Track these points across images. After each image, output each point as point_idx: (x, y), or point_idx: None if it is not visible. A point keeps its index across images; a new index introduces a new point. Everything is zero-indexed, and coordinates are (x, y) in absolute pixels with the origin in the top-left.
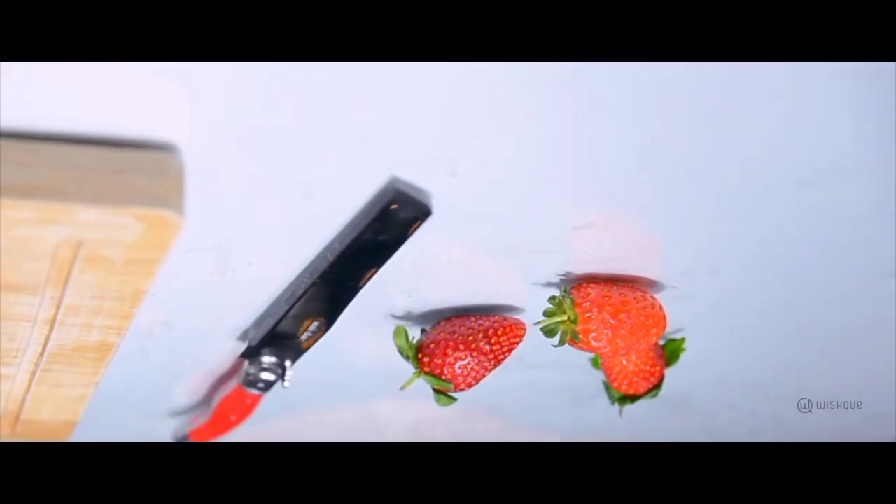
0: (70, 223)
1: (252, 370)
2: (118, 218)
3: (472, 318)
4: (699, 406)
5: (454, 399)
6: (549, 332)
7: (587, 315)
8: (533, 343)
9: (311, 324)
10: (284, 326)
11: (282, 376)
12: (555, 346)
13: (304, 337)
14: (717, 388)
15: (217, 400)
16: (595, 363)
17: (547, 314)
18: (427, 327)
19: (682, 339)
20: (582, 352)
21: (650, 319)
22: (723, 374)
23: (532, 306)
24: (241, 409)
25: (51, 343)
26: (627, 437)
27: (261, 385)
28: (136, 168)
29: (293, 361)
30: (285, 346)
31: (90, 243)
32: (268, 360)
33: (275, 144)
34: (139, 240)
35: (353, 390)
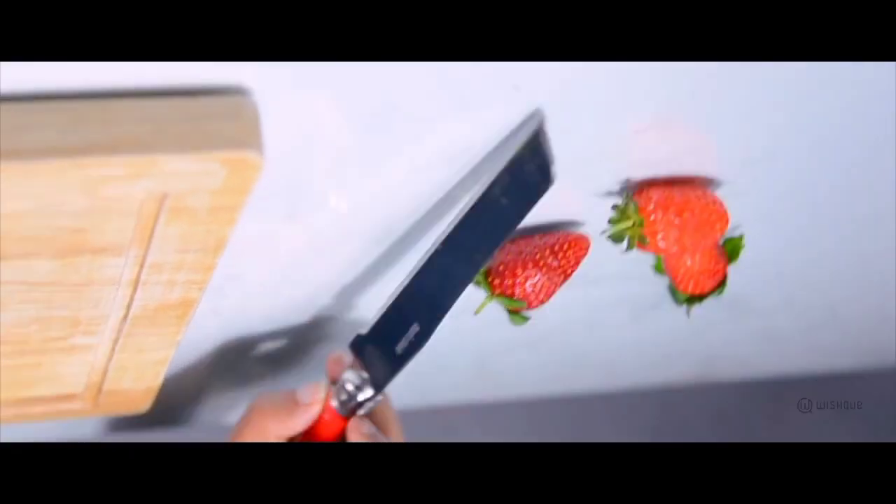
0: (156, 175)
1: (344, 396)
2: (202, 164)
3: (537, 237)
4: (757, 305)
5: (527, 318)
6: (616, 237)
7: (652, 218)
8: (593, 257)
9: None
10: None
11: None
12: (623, 253)
13: (400, 347)
14: (774, 285)
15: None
16: (658, 268)
17: (612, 221)
18: None
19: (741, 237)
20: (643, 261)
21: (713, 216)
22: (779, 270)
23: (592, 219)
24: (330, 430)
25: (134, 305)
26: (686, 345)
27: (354, 405)
28: (213, 114)
29: (388, 378)
30: (381, 353)
31: (175, 195)
32: (357, 378)
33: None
34: (222, 185)
35: None
